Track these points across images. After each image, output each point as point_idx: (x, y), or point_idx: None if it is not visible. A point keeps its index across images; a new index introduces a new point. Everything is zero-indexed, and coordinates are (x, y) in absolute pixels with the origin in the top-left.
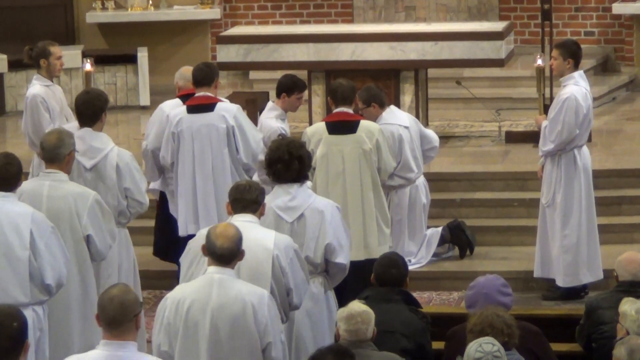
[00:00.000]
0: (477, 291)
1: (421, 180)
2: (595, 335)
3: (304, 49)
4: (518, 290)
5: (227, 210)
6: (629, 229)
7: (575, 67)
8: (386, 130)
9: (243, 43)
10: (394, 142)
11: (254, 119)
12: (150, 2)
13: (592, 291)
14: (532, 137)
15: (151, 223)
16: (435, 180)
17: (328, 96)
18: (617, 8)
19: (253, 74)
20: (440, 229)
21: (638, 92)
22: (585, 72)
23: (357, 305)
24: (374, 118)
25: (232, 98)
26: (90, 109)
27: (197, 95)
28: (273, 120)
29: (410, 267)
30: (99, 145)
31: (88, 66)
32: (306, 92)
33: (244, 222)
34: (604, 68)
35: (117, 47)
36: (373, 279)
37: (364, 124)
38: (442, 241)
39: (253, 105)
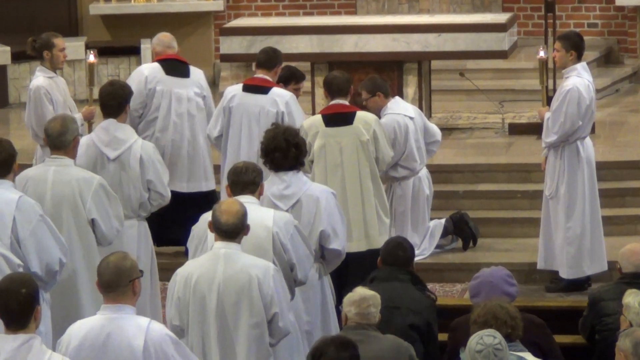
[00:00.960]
0: (483, 280)
1: (424, 172)
2: (598, 327)
3: (307, 41)
4: (521, 282)
5: (226, 193)
6: (632, 221)
7: (578, 58)
8: (392, 120)
9: (246, 35)
10: (400, 132)
11: None
12: None
13: (596, 283)
14: (535, 129)
15: None
16: (439, 172)
17: (323, 88)
18: (621, 0)
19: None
20: (443, 220)
21: None
22: (588, 64)
23: (365, 290)
24: (379, 108)
25: None
26: (115, 100)
27: (255, 76)
28: None
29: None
30: (122, 136)
31: (91, 58)
32: (308, 84)
33: (244, 203)
34: (607, 60)
35: (120, 38)
36: (380, 262)
37: (360, 115)
38: (445, 233)
39: None
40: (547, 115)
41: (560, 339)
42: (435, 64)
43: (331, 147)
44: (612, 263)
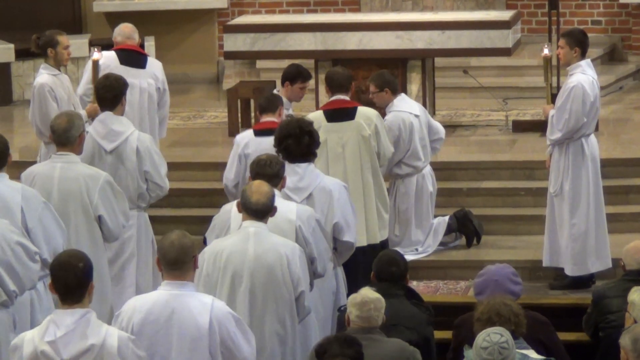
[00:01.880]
0: (488, 278)
1: (428, 169)
2: (602, 324)
3: (311, 38)
4: (525, 279)
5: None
6: (637, 218)
7: (582, 55)
8: (397, 118)
9: (250, 32)
10: (405, 129)
11: None
12: None
13: (600, 280)
14: (539, 126)
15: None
16: (442, 169)
17: (325, 84)
18: None
19: (260, 63)
20: (447, 217)
21: None
22: (592, 61)
23: (369, 292)
24: (385, 104)
25: (239, 87)
26: (111, 93)
27: (263, 121)
28: None
29: (417, 256)
30: (119, 128)
31: (95, 55)
32: (312, 82)
33: None
34: (611, 57)
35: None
36: (373, 277)
37: (362, 110)
38: (449, 230)
39: (260, 95)
40: (552, 112)
41: (564, 336)
42: (439, 61)
43: (333, 142)
44: (616, 260)
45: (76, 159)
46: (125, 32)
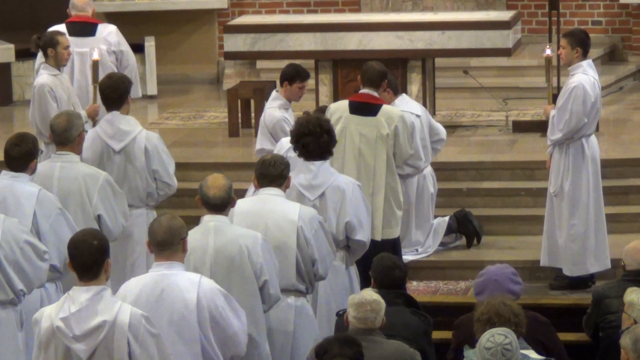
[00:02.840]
0: (488, 278)
1: (429, 170)
2: (602, 324)
3: (311, 38)
4: (525, 279)
5: (253, 184)
6: (636, 218)
7: (584, 56)
8: None
9: (250, 32)
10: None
11: (262, 109)
12: None
13: (600, 280)
14: (539, 127)
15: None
16: (443, 170)
17: (360, 75)
18: None
19: (260, 63)
20: (447, 218)
21: None
22: (592, 61)
23: (368, 294)
24: (387, 104)
25: (240, 87)
26: (116, 92)
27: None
28: (276, 109)
29: (417, 257)
30: (127, 128)
31: (95, 55)
32: (312, 82)
33: (270, 196)
34: (611, 57)
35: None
36: (373, 284)
37: (386, 109)
38: (449, 230)
39: (260, 95)
40: (553, 112)
41: (564, 336)
42: (439, 61)
43: (351, 134)
44: (616, 260)
45: (76, 159)
46: (77, 5)
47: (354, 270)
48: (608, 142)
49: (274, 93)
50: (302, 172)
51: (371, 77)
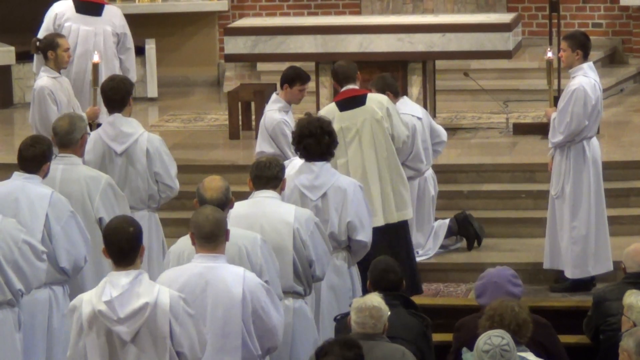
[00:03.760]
0: (488, 280)
1: (429, 172)
2: (603, 326)
3: (312, 41)
4: (526, 281)
5: (249, 187)
6: (637, 221)
7: (585, 58)
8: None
9: (251, 35)
10: (408, 132)
11: (262, 111)
12: None
13: (601, 283)
14: (539, 129)
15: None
16: (443, 172)
17: (333, 79)
18: (625, 0)
19: (261, 66)
20: (447, 220)
21: None
22: (593, 63)
23: (370, 299)
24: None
25: (240, 90)
26: (119, 94)
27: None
28: (276, 112)
29: (418, 259)
30: (129, 130)
31: (95, 58)
32: (313, 84)
33: (265, 198)
34: (611, 60)
35: None
36: (369, 286)
37: (372, 95)
38: (450, 233)
39: (261, 97)
40: (554, 115)
41: (565, 338)
42: (440, 63)
43: (348, 129)
44: (617, 263)
45: (78, 161)
46: None
47: (355, 270)
48: (609, 144)
49: (274, 96)
50: (303, 172)
51: (346, 73)
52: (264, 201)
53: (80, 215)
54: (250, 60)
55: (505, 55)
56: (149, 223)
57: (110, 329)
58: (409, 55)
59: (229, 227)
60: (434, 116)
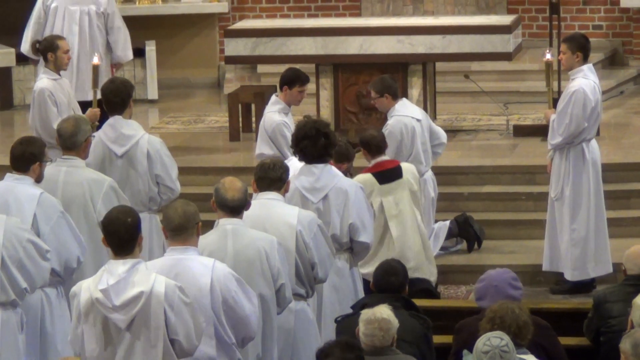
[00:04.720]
0: (488, 284)
1: (429, 174)
2: (603, 328)
3: (312, 43)
4: (526, 283)
5: (252, 188)
6: (637, 223)
7: (584, 60)
8: (399, 122)
9: (251, 37)
10: (407, 134)
11: (262, 113)
12: None
13: (601, 285)
14: (540, 131)
15: None
16: (443, 174)
17: (361, 147)
18: (625, 1)
19: (261, 68)
20: (448, 222)
21: None
22: (593, 65)
23: (379, 311)
24: (386, 109)
25: (240, 91)
26: (119, 97)
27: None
28: (276, 114)
29: None
30: (129, 132)
31: (95, 60)
32: (313, 86)
33: (269, 200)
34: (612, 62)
35: None
36: (372, 286)
37: (405, 166)
38: (450, 235)
39: (261, 99)
40: (553, 117)
41: (565, 340)
42: (440, 65)
43: (389, 203)
44: (617, 265)
45: (81, 164)
46: None
47: (357, 271)
48: (609, 146)
49: (273, 97)
50: (304, 175)
51: (379, 145)
52: (267, 203)
53: (82, 218)
54: (250, 62)
55: (506, 57)
56: (150, 225)
57: (106, 316)
58: (409, 57)
59: (247, 227)
60: (434, 118)
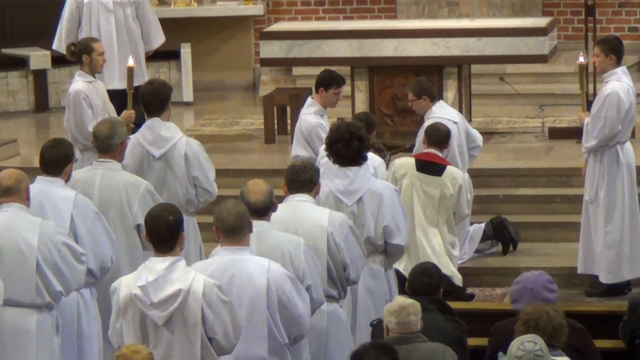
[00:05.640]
0: (523, 286)
1: (465, 176)
2: (638, 331)
3: (347, 45)
4: (561, 286)
5: (283, 191)
6: None
7: (618, 63)
8: None
9: (286, 39)
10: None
11: (297, 115)
12: None
13: (636, 287)
14: (575, 133)
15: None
16: (479, 176)
17: (424, 135)
18: None
19: (296, 70)
20: (483, 224)
21: None
22: (628, 68)
23: (404, 299)
24: (424, 111)
25: (276, 94)
26: (157, 98)
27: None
28: (312, 116)
29: None
30: (167, 134)
31: (130, 62)
32: (348, 89)
33: (300, 202)
34: None
35: None
36: (407, 288)
37: (450, 170)
38: (485, 237)
39: (296, 101)
40: (587, 120)
41: (601, 343)
42: (475, 68)
43: (417, 190)
44: None
45: (117, 167)
46: None
47: (391, 274)
48: None
49: (309, 99)
50: (338, 177)
51: (440, 139)
52: (298, 205)
53: (119, 221)
54: (285, 64)
55: (541, 59)
56: (187, 227)
57: (145, 313)
58: (445, 59)
59: (272, 229)
60: (469, 120)
